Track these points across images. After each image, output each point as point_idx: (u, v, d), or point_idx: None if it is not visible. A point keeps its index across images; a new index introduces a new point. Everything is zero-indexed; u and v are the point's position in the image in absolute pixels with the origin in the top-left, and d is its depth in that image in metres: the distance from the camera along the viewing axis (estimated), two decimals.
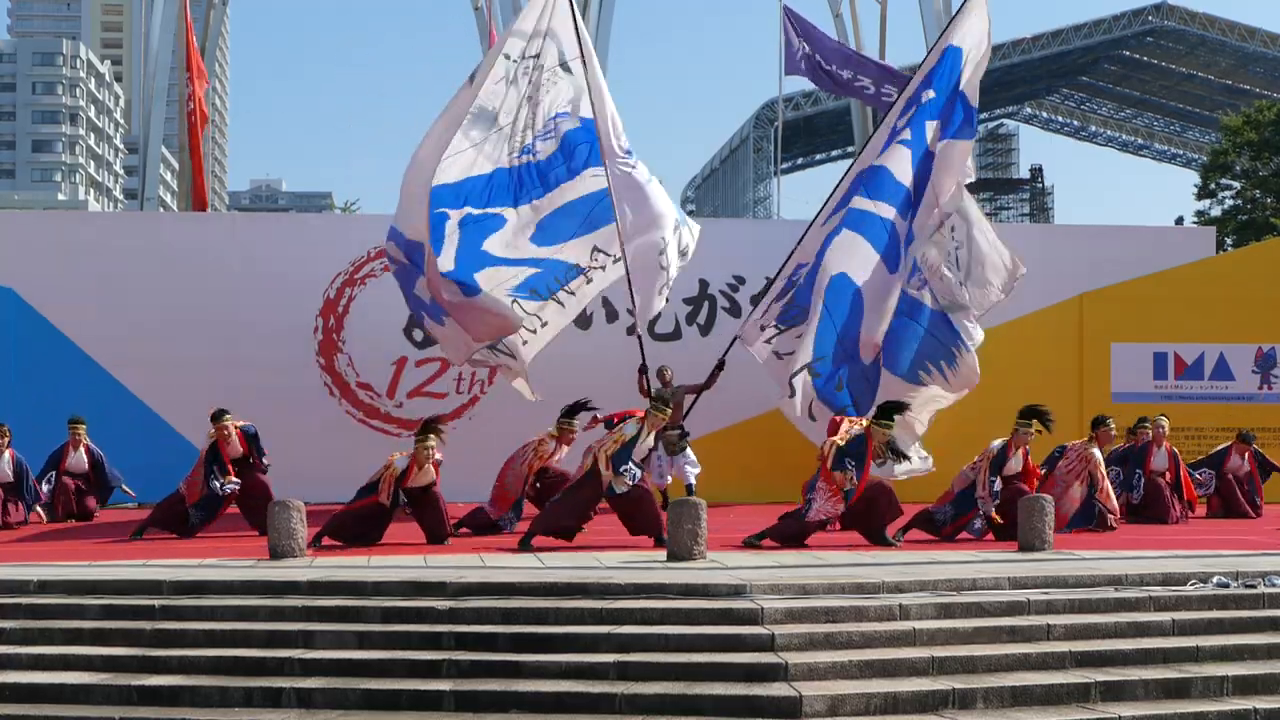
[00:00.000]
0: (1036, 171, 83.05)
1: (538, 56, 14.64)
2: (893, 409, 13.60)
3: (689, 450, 16.28)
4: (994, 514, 13.84)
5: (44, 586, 10.07)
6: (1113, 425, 15.82)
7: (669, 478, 16.33)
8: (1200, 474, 17.85)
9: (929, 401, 16.44)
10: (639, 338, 15.31)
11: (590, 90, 14.76)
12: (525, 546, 12.77)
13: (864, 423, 13.45)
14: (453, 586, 9.81)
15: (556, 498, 13.59)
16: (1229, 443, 18.03)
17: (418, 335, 19.58)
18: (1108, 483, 15.32)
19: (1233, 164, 51.00)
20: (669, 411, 13.59)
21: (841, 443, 13.21)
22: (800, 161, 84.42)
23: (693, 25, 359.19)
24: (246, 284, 19.11)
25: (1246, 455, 17.90)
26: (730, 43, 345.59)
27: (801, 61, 21.59)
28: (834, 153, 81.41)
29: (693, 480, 16.23)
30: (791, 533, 13.12)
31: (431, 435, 13.29)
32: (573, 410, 14.95)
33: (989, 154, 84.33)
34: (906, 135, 16.05)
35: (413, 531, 13.59)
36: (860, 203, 15.93)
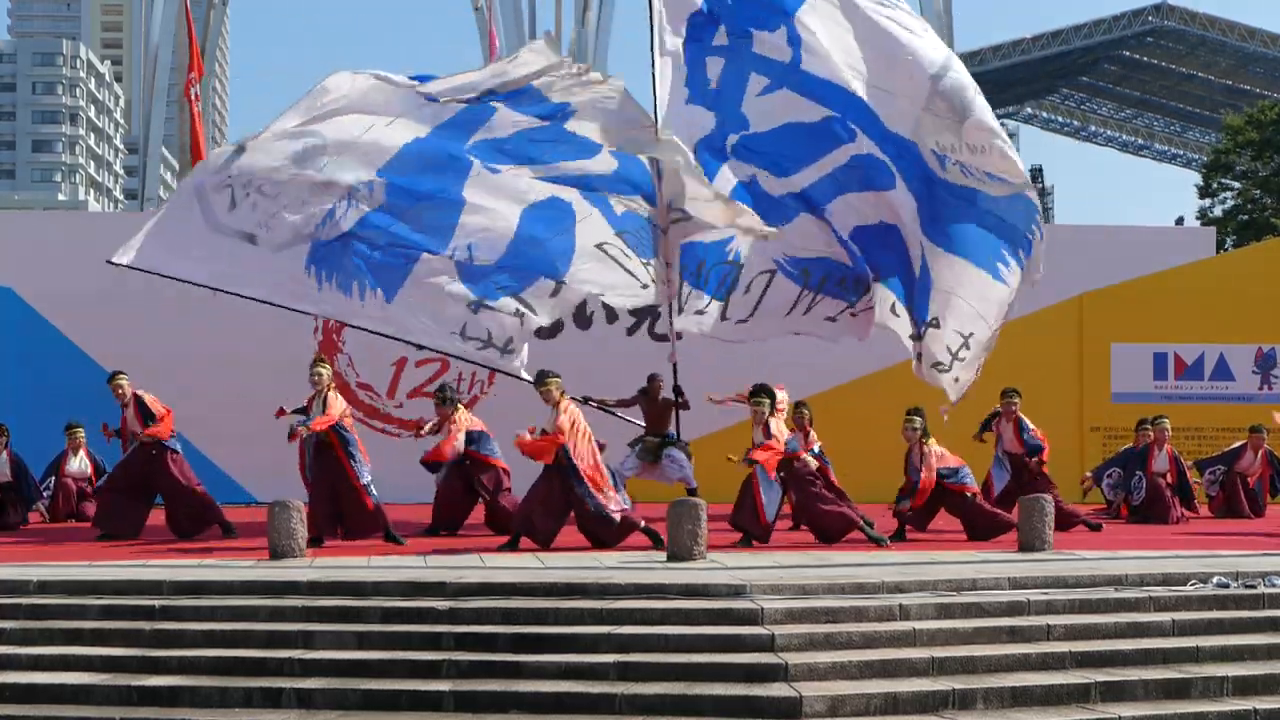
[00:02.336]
0: (1036, 172, 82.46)
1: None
2: (764, 389, 13.30)
3: (676, 451, 15.71)
4: None
5: (44, 586, 10.06)
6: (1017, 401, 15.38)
7: (689, 476, 15.92)
8: (1210, 472, 17.76)
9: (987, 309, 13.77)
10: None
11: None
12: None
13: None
14: (453, 586, 9.81)
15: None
16: (1243, 441, 17.94)
17: None
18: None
19: (1234, 164, 50.96)
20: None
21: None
22: None
23: None
24: None
25: (1260, 453, 17.78)
26: None
27: None
28: None
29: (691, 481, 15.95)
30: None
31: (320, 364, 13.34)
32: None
33: None
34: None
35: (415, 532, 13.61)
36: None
